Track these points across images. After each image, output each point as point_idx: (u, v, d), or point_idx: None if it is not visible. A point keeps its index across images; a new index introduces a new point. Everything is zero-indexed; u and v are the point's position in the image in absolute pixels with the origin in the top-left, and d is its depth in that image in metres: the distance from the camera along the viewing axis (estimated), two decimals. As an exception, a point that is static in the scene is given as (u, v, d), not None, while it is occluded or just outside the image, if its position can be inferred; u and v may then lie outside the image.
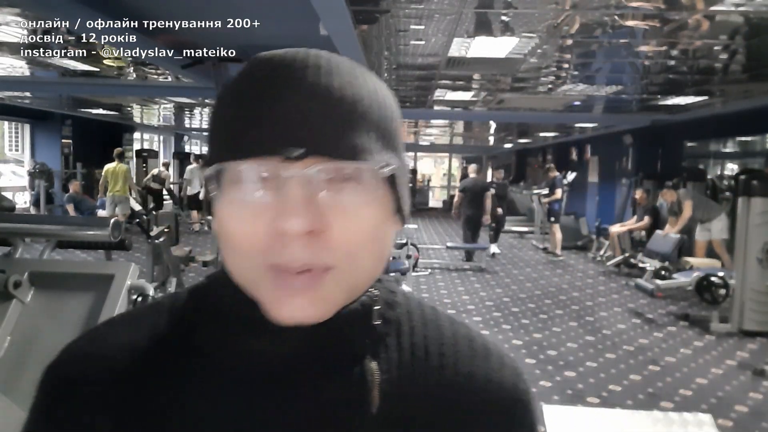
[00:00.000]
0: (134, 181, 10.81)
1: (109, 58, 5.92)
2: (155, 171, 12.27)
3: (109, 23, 4.10)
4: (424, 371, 0.50)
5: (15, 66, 6.59)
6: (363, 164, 0.42)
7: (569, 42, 4.57)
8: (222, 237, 0.44)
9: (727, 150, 9.03)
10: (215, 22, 4.25)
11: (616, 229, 8.62)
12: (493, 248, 9.48)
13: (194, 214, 11.46)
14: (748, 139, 8.39)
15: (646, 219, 8.21)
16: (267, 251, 0.41)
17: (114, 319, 0.54)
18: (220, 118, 0.45)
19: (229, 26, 4.30)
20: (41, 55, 5.84)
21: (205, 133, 18.43)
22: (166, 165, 14.15)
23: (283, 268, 0.42)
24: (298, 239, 0.40)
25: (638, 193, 8.73)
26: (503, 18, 3.93)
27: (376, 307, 0.50)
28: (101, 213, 9.62)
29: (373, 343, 0.49)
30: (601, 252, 9.26)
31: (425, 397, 0.49)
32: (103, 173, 9.73)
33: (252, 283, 0.44)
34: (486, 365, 0.52)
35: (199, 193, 11.70)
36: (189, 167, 12.12)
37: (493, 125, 12.56)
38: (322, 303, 0.43)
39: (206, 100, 8.89)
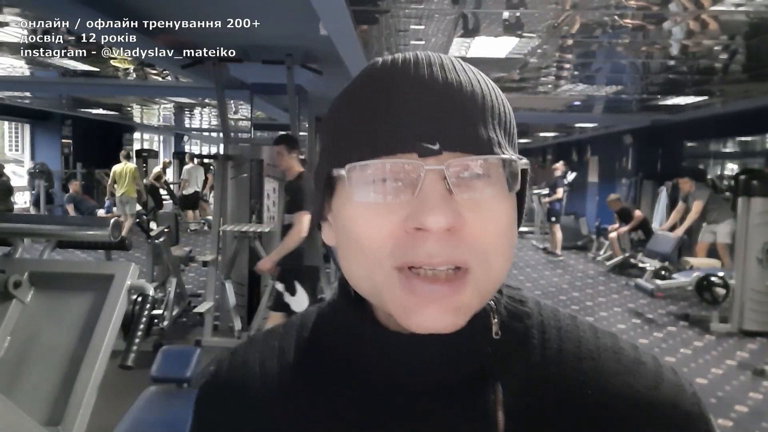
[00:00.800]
0: (141, 180, 10.83)
1: (115, 59, 5.92)
2: (157, 169, 12.25)
3: (109, 23, 4.10)
4: (558, 390, 0.45)
5: (15, 66, 6.59)
6: (501, 157, 0.41)
7: (569, 42, 4.57)
8: (344, 241, 0.43)
9: (727, 150, 9.03)
10: (215, 22, 4.25)
11: (614, 234, 8.59)
12: None
13: (189, 213, 11.41)
14: (748, 139, 8.39)
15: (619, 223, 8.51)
16: (398, 251, 0.40)
17: (253, 338, 0.55)
18: (343, 121, 0.44)
19: (229, 26, 4.30)
20: (41, 55, 5.84)
21: (205, 133, 18.56)
22: (165, 165, 14.11)
23: (419, 267, 0.40)
24: (437, 238, 0.39)
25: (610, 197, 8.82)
26: (503, 18, 3.93)
27: (495, 320, 0.46)
28: (100, 213, 9.64)
29: (496, 359, 0.45)
30: (601, 252, 9.26)
31: (559, 417, 0.44)
32: (111, 174, 9.78)
33: (381, 289, 0.42)
34: (635, 381, 0.45)
35: (196, 192, 11.65)
36: (186, 167, 12.07)
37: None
38: (458, 311, 0.41)
39: (206, 100, 8.89)
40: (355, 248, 0.42)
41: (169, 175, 15.11)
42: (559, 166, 9.99)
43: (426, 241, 0.39)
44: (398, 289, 0.40)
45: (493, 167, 0.41)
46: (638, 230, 8.22)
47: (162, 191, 12.06)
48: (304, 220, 3.51)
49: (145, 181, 10.73)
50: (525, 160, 0.44)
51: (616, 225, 8.62)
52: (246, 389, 0.50)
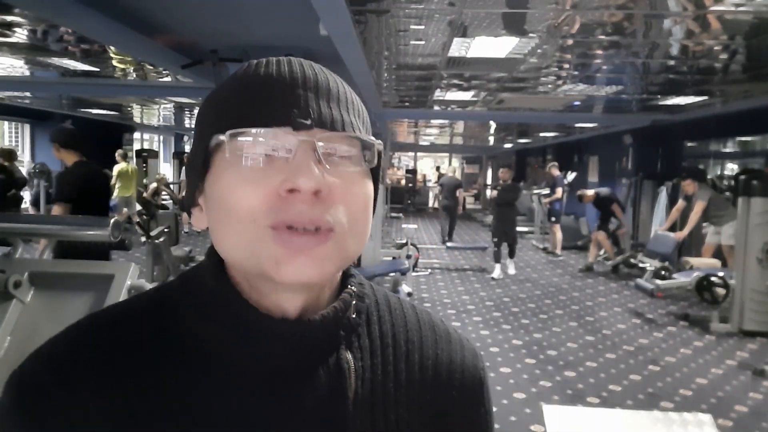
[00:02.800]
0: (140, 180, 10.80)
1: (115, 58, 5.92)
2: (153, 186, 11.25)
3: (109, 23, 4.10)
4: (394, 357, 0.55)
5: (15, 66, 6.59)
6: (361, 136, 0.49)
7: (569, 42, 4.57)
8: (218, 212, 0.47)
9: (727, 150, 9.02)
10: (215, 22, 4.25)
11: (601, 236, 8.56)
12: (510, 267, 8.10)
13: (185, 215, 11.19)
14: (748, 139, 8.38)
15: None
16: (272, 210, 0.45)
17: (103, 312, 0.52)
18: (224, 99, 0.49)
19: (229, 26, 4.30)
20: (41, 55, 5.84)
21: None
22: (161, 181, 13.62)
23: (288, 225, 0.45)
24: (306, 199, 0.45)
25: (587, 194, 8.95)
26: (503, 18, 3.92)
27: (353, 302, 0.54)
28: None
29: (347, 334, 0.53)
30: (601, 252, 9.26)
31: (396, 379, 0.54)
32: (114, 174, 9.77)
33: (252, 246, 0.46)
34: (449, 348, 0.58)
35: None
36: (184, 167, 11.93)
37: (493, 125, 12.56)
38: (321, 264, 0.46)
39: (206, 100, 8.89)
40: (229, 215, 0.46)
41: (169, 175, 15.10)
42: (554, 169, 10.02)
43: (297, 203, 0.45)
44: (271, 243, 0.45)
45: (354, 146, 0.48)
46: (609, 218, 8.39)
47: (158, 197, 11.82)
48: (55, 211, 3.57)
49: (144, 194, 10.64)
50: (380, 142, 0.51)
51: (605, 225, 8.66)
52: (82, 370, 0.47)
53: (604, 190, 8.89)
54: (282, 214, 0.45)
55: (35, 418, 0.45)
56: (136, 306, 0.52)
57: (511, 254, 8.04)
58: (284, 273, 0.45)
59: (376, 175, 0.53)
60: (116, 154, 10.10)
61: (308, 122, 0.46)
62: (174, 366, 0.48)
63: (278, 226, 0.45)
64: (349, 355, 0.52)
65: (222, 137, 0.46)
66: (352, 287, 0.55)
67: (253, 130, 0.46)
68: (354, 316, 0.54)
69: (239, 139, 0.46)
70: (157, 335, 0.49)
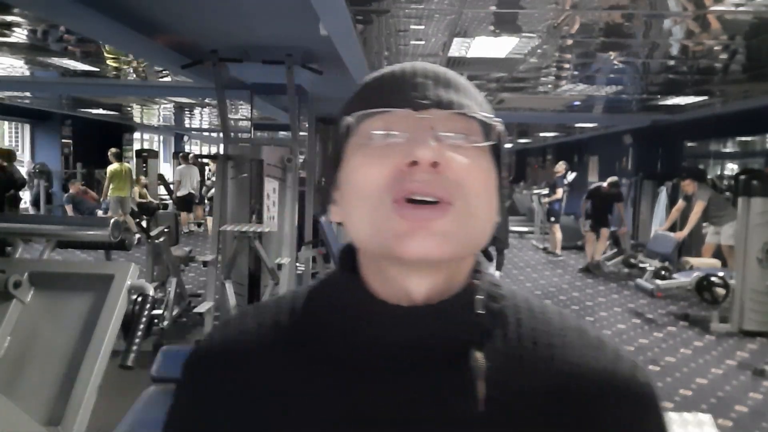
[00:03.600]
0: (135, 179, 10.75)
1: (111, 57, 5.92)
2: (135, 189, 10.89)
3: (109, 23, 4.09)
4: (533, 361, 0.50)
5: (15, 66, 6.59)
6: (479, 114, 0.50)
7: (569, 42, 4.57)
8: (348, 188, 0.51)
9: (727, 150, 9.02)
10: (215, 22, 4.24)
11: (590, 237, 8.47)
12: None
13: (183, 216, 10.91)
14: (748, 139, 8.38)
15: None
16: (394, 184, 0.47)
17: (245, 310, 0.60)
18: (354, 93, 0.55)
19: (229, 26, 4.30)
20: (41, 55, 5.84)
21: (205, 133, 18.56)
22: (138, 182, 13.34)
23: (409, 197, 0.47)
24: (425, 170, 0.47)
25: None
26: (503, 18, 3.93)
27: (478, 296, 0.51)
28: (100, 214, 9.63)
29: (479, 333, 0.50)
30: (602, 252, 9.25)
31: (534, 386, 0.49)
32: (107, 175, 9.72)
33: (378, 222, 0.48)
34: (599, 355, 0.51)
35: (190, 194, 11.27)
36: (178, 168, 11.68)
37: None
38: (442, 239, 0.47)
39: (206, 100, 8.89)
40: (357, 194, 0.49)
41: (168, 174, 15.09)
42: (560, 167, 9.94)
43: (416, 173, 0.47)
44: (394, 216, 0.47)
45: (473, 126, 0.50)
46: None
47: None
48: None
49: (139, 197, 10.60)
50: (499, 120, 0.52)
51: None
52: (237, 356, 0.54)
53: (612, 180, 8.41)
54: (403, 187, 0.47)
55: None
56: (287, 297, 0.59)
57: (499, 266, 7.24)
58: (406, 247, 0.47)
59: (498, 156, 0.53)
60: (109, 154, 9.97)
61: (426, 102, 0.49)
62: (300, 354, 0.52)
63: (399, 200, 0.47)
64: (481, 356, 0.48)
65: (350, 119, 0.51)
66: (477, 281, 0.52)
67: (376, 111, 0.50)
68: (485, 313, 0.51)
69: (365, 122, 0.50)
70: (292, 325, 0.54)
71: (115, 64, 6.38)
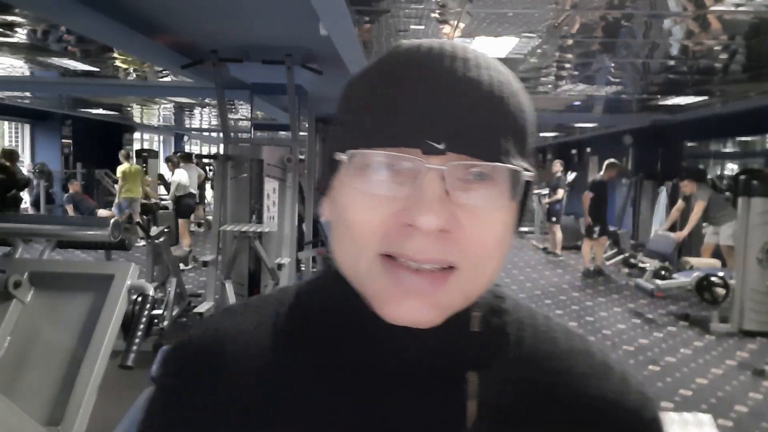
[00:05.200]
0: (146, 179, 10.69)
1: (118, 58, 5.92)
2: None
3: (109, 23, 4.09)
4: (532, 387, 0.46)
5: (15, 66, 6.59)
6: (506, 166, 0.40)
7: (569, 42, 4.57)
8: (338, 224, 0.43)
9: (727, 150, 9.02)
10: (215, 22, 4.24)
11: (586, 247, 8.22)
12: None
13: (182, 224, 10.70)
14: (748, 139, 8.38)
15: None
16: (387, 239, 0.40)
17: (231, 308, 0.54)
18: (357, 102, 0.43)
19: (229, 26, 4.30)
20: (41, 55, 5.84)
21: (205, 133, 18.55)
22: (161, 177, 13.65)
23: (404, 259, 0.40)
24: (428, 235, 0.39)
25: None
26: (503, 18, 3.92)
27: (475, 313, 0.47)
28: (101, 213, 9.64)
29: (474, 353, 0.46)
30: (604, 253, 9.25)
31: (529, 413, 0.45)
32: (119, 175, 9.70)
33: (364, 274, 0.42)
34: (604, 386, 0.47)
35: (190, 194, 11.14)
36: (176, 170, 11.65)
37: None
38: (438, 307, 0.41)
39: (206, 100, 8.89)
40: (344, 232, 0.42)
41: (168, 175, 15.06)
42: (556, 167, 9.96)
43: (416, 238, 0.39)
44: (381, 276, 0.40)
45: (498, 173, 0.41)
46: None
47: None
48: None
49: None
50: (531, 172, 0.42)
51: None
52: (217, 358, 0.49)
53: (610, 162, 8.23)
54: (398, 247, 0.40)
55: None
56: (274, 297, 0.53)
57: None
58: (390, 313, 0.41)
59: (523, 201, 0.45)
60: (119, 155, 10.01)
61: (441, 146, 0.39)
62: (290, 362, 0.47)
63: (390, 257, 0.40)
64: (475, 377, 0.45)
65: (343, 157, 0.41)
66: (483, 299, 0.48)
67: (374, 153, 0.40)
68: (482, 332, 0.47)
69: (359, 158, 0.41)
70: (282, 330, 0.50)
71: (124, 66, 6.39)
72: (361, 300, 0.44)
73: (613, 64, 5.47)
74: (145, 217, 9.39)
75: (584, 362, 0.48)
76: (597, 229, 7.79)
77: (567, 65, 5.58)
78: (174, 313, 4.87)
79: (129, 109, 11.81)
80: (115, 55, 5.70)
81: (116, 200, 10.10)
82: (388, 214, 0.40)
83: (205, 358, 0.49)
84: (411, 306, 0.40)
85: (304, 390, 0.46)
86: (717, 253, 6.86)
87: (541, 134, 14.11)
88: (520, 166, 0.41)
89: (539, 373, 0.47)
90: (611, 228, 8.56)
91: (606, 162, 8.21)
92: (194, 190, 11.01)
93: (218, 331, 0.50)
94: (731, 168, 8.84)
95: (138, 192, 9.81)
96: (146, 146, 16.82)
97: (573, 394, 0.46)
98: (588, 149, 13.47)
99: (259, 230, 4.37)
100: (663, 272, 6.76)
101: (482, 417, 0.44)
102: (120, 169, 9.73)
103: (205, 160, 13.01)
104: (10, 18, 4.37)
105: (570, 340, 0.49)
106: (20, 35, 4.95)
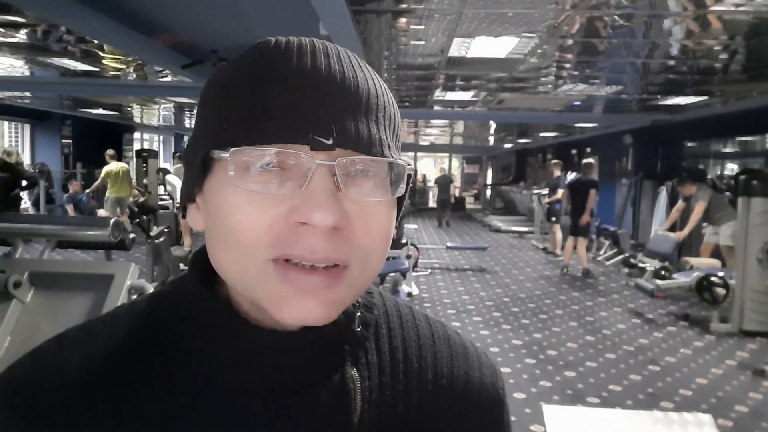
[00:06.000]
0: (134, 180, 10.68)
1: (111, 58, 5.91)
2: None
3: (109, 23, 4.10)
4: (405, 375, 0.49)
5: (15, 66, 6.59)
6: (392, 161, 0.41)
7: (569, 42, 4.57)
8: (217, 229, 0.41)
9: (727, 150, 9.02)
10: (215, 22, 4.25)
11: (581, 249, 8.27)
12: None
13: (184, 223, 10.80)
14: (748, 139, 8.39)
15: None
16: (276, 243, 0.39)
17: (70, 331, 0.47)
18: (230, 98, 0.41)
19: (229, 26, 4.30)
20: (41, 55, 5.84)
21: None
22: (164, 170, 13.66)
23: (296, 260, 0.39)
24: (321, 233, 0.38)
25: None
26: (503, 18, 3.92)
27: (359, 314, 0.48)
28: (101, 213, 9.64)
29: (353, 349, 0.47)
30: (602, 252, 9.26)
31: (407, 400, 0.48)
32: (102, 175, 9.67)
33: (254, 280, 0.40)
34: (465, 365, 0.52)
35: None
36: (174, 167, 11.66)
37: (493, 125, 12.56)
38: (332, 305, 0.41)
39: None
40: (228, 237, 0.40)
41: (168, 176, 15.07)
42: (555, 167, 9.95)
43: (309, 236, 0.38)
44: (273, 280, 0.39)
45: (382, 169, 0.41)
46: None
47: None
48: None
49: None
50: (411, 166, 0.44)
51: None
52: (46, 392, 0.42)
53: (587, 161, 8.21)
54: (290, 249, 0.39)
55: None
56: (122, 318, 0.48)
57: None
58: (287, 315, 0.40)
59: (401, 198, 0.45)
60: (106, 155, 9.89)
61: (329, 142, 0.38)
62: (165, 386, 0.43)
63: (282, 261, 0.39)
64: (355, 373, 0.46)
65: (224, 154, 0.39)
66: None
67: (260, 149, 0.39)
68: (360, 328, 0.48)
69: (243, 156, 0.39)
70: (145, 351, 0.45)
71: (114, 64, 6.38)
72: (237, 313, 0.44)
73: (612, 64, 5.47)
74: (145, 217, 9.38)
75: (446, 345, 0.53)
76: (570, 226, 8.06)
77: (567, 65, 5.58)
78: (174, 313, 4.86)
79: (129, 109, 11.82)
80: (105, 54, 5.69)
81: (105, 197, 10.12)
82: (278, 214, 0.39)
83: (27, 397, 0.42)
84: (308, 306, 0.40)
85: (174, 408, 0.42)
86: (717, 253, 6.85)
87: (541, 134, 14.11)
88: (403, 161, 0.42)
89: (410, 361, 0.50)
90: (611, 228, 8.58)
91: (583, 162, 8.31)
92: None
93: (48, 363, 0.44)
94: (731, 168, 8.84)
95: (125, 192, 9.79)
96: (146, 146, 16.84)
97: (440, 375, 0.50)
98: (588, 149, 13.47)
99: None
100: (663, 272, 6.76)
101: (366, 411, 0.46)
102: (104, 170, 9.65)
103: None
104: (10, 18, 4.37)
105: (431, 326, 0.54)
106: (20, 35, 4.95)
